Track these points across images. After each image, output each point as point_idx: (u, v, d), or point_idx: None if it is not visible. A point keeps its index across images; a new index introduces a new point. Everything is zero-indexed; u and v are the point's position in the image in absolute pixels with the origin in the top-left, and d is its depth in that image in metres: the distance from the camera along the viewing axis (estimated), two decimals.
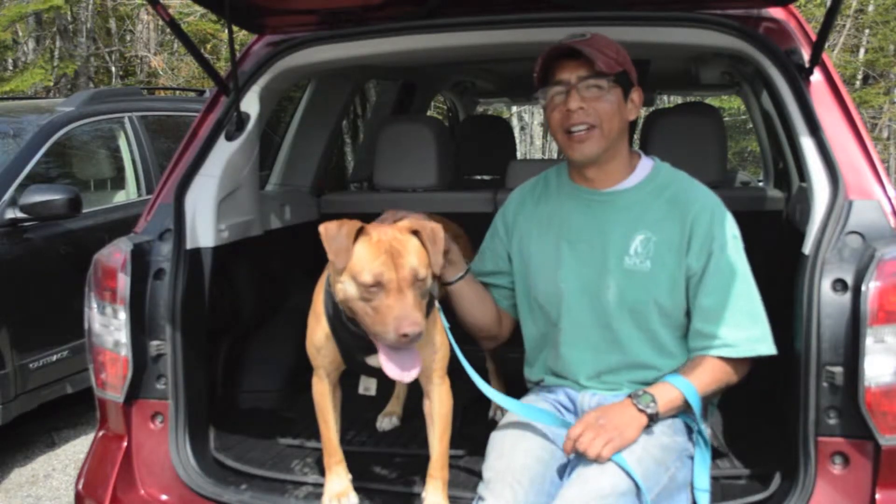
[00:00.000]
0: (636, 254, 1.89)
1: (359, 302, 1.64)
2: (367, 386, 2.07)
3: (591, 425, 1.75)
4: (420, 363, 1.67)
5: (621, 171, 1.95)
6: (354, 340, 1.78)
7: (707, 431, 1.93)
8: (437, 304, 1.91)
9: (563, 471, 1.82)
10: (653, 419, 1.78)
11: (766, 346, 1.85)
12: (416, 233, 1.72)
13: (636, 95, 1.93)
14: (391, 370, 1.65)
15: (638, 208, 1.92)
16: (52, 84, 12.43)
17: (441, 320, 1.92)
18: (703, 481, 1.84)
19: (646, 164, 1.98)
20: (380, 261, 1.62)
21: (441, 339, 1.90)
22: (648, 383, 1.88)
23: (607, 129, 1.87)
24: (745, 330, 1.84)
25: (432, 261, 1.69)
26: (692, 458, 1.87)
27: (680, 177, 1.97)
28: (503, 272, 2.10)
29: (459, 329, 1.99)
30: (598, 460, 1.70)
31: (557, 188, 2.04)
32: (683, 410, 1.85)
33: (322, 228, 1.68)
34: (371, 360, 1.88)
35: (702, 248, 1.86)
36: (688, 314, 1.91)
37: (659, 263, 1.88)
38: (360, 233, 1.68)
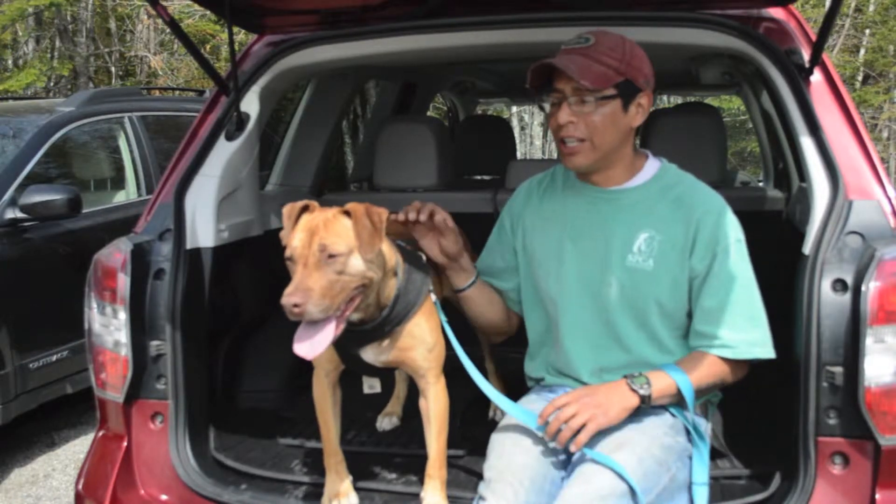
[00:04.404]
0: (639, 252, 1.89)
1: None
2: (372, 384, 2.07)
3: (577, 399, 1.76)
4: (327, 343, 1.67)
5: (624, 174, 1.94)
6: (343, 332, 1.78)
7: (705, 427, 1.93)
8: (433, 299, 1.91)
9: (564, 470, 1.82)
10: (644, 401, 1.78)
11: (763, 350, 1.85)
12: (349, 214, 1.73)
13: (644, 100, 1.88)
14: (295, 343, 1.67)
15: (643, 207, 1.91)
16: (45, 84, 12.40)
17: (439, 318, 1.91)
18: (700, 475, 1.84)
19: (652, 165, 1.97)
20: (298, 237, 1.67)
21: (435, 337, 1.90)
22: None
23: (598, 142, 1.85)
24: (745, 333, 1.84)
25: (360, 241, 1.68)
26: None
27: (687, 178, 1.96)
28: (512, 268, 2.09)
29: (459, 329, 1.99)
30: (575, 436, 1.72)
31: (563, 184, 2.04)
32: (676, 402, 1.85)
33: (284, 209, 1.75)
34: (364, 354, 1.88)
35: (706, 250, 1.86)
36: (689, 315, 1.92)
37: (662, 263, 1.88)
38: (306, 213, 1.74)
